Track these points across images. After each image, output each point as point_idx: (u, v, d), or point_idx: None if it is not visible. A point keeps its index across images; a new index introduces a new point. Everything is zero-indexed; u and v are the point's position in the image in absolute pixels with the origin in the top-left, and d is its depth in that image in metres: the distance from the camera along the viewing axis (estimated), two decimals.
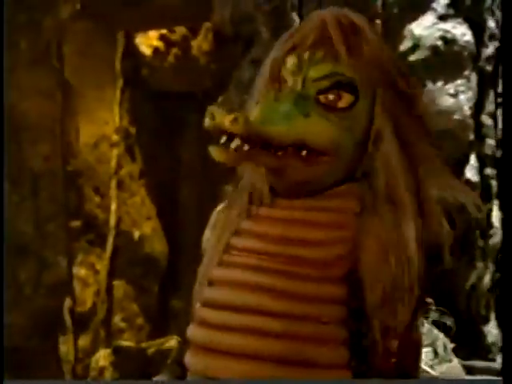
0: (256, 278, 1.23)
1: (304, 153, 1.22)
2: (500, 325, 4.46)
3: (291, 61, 1.28)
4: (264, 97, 1.30)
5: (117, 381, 3.80)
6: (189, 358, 1.28)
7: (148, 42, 5.91)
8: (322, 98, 1.25)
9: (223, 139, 1.17)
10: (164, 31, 5.88)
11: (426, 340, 3.70)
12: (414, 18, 4.16)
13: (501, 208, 4.34)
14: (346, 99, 1.26)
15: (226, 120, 1.15)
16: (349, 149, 1.25)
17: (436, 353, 3.72)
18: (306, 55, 1.27)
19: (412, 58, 4.13)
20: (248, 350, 1.20)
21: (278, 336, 1.20)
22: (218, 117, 1.16)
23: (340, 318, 1.23)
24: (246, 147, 1.17)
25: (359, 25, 1.28)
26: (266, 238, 1.26)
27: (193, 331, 1.28)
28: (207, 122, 1.17)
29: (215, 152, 1.18)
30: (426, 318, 3.76)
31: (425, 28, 4.15)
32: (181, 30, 5.88)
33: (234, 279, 1.25)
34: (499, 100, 4.40)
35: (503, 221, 4.43)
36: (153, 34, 5.89)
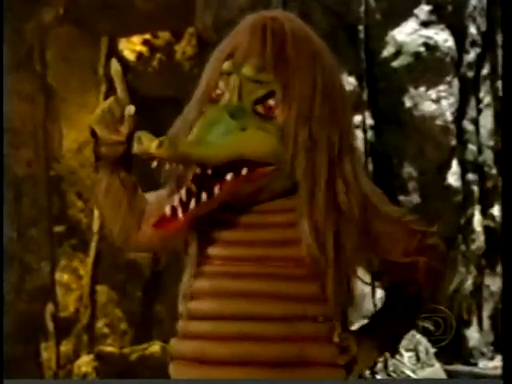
0: (244, 285, 1.24)
1: (245, 171, 1.22)
2: (502, 324, 4.48)
3: (226, 67, 1.28)
4: (201, 115, 1.29)
5: (113, 380, 3.80)
6: (178, 373, 1.28)
7: (132, 46, 5.90)
8: (259, 107, 1.25)
9: (154, 164, 1.20)
10: (148, 36, 5.88)
11: (408, 345, 3.71)
12: (397, 25, 4.19)
13: (503, 209, 4.36)
14: (281, 108, 1.25)
15: (152, 145, 1.16)
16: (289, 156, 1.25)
17: (418, 357, 3.73)
18: (240, 63, 1.27)
19: (395, 63, 4.16)
20: (243, 357, 1.21)
21: (273, 339, 1.22)
22: (144, 142, 1.17)
23: (331, 314, 1.25)
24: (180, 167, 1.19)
25: (286, 29, 1.27)
26: (245, 244, 1.26)
27: (181, 345, 1.28)
28: (135, 147, 1.19)
29: None
30: None
31: (407, 34, 4.18)
32: (164, 35, 5.88)
33: (221, 289, 1.25)
34: (480, 106, 4.43)
35: (503, 222, 4.47)
36: (136, 39, 5.88)
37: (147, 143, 1.17)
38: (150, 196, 1.37)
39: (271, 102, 1.25)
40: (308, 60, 1.26)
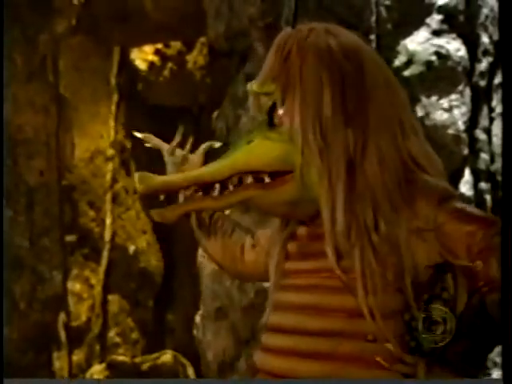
0: (303, 298, 1.23)
1: (267, 179, 1.21)
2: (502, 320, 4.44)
3: (249, 91, 1.31)
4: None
5: (112, 380, 3.80)
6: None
7: (143, 56, 5.92)
8: (275, 119, 1.26)
9: (161, 198, 1.25)
10: (159, 46, 5.90)
11: None
12: (409, 34, 4.19)
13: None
14: (285, 113, 1.25)
15: (136, 184, 1.23)
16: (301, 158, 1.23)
17: None
18: (254, 82, 1.30)
19: (406, 73, 4.15)
20: (289, 373, 1.19)
21: (316, 356, 1.18)
22: (137, 182, 1.22)
23: (396, 333, 1.18)
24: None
25: (294, 39, 1.29)
26: (313, 256, 1.25)
27: (255, 356, 1.29)
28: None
29: (154, 216, 1.25)
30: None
31: (419, 43, 4.17)
32: (176, 45, 5.90)
33: (288, 302, 1.25)
34: (493, 115, 4.43)
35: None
36: (148, 49, 5.90)
37: (135, 183, 1.23)
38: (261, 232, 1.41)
39: (280, 110, 1.25)
40: (313, 63, 1.24)
